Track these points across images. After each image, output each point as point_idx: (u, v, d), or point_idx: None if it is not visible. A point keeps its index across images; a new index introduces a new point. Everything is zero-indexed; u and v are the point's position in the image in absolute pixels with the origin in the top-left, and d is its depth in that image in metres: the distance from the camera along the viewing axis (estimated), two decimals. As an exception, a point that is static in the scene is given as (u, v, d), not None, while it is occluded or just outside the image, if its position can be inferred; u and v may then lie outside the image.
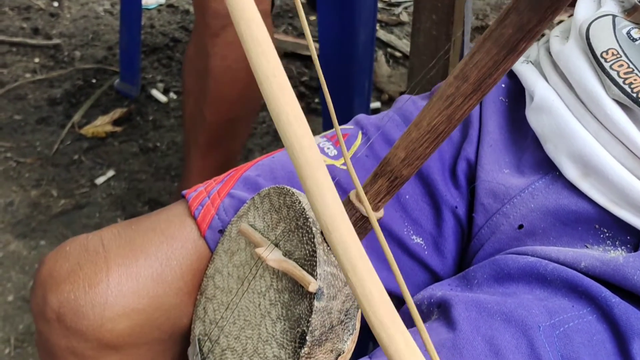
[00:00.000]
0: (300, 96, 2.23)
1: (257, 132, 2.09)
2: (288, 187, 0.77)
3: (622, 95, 0.81)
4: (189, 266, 0.86)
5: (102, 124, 2.06)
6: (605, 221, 0.82)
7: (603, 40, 0.84)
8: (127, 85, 2.17)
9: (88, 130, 2.06)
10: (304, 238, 0.71)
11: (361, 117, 0.98)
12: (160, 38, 2.40)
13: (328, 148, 0.94)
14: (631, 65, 0.82)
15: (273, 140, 2.07)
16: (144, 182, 1.95)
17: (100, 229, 0.89)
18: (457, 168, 0.91)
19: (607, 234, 0.83)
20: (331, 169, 0.91)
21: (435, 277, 0.91)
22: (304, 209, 0.73)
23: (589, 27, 0.86)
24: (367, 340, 1.12)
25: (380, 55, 2.37)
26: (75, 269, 0.83)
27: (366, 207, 0.60)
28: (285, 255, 0.73)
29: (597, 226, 0.83)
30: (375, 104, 2.20)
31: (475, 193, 0.89)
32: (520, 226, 0.86)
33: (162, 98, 2.17)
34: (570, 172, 0.83)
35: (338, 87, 1.77)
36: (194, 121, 1.45)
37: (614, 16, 0.87)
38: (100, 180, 1.94)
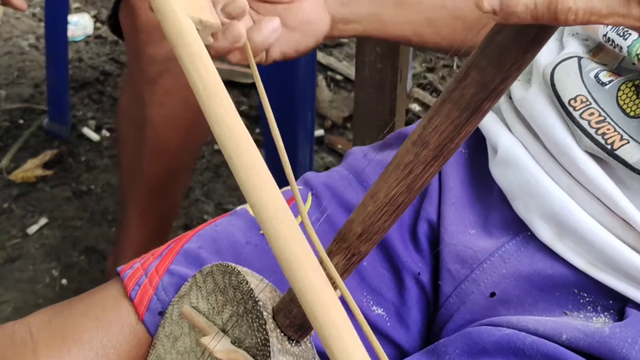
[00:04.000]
0: (240, 127, 2.14)
1: (196, 168, 2.00)
2: (233, 265, 0.71)
3: (595, 147, 0.75)
4: (128, 354, 0.79)
5: (31, 168, 1.95)
6: (585, 285, 0.76)
7: (570, 86, 0.78)
8: (57, 124, 2.06)
9: (17, 175, 1.94)
10: (254, 324, 0.66)
11: (310, 175, 0.90)
12: (90, 72, 2.29)
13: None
14: (602, 113, 0.76)
15: (214, 176, 1.99)
16: (79, 229, 1.84)
17: (28, 316, 0.82)
18: (417, 230, 0.84)
19: (587, 299, 0.77)
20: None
21: (400, 352, 0.84)
22: (252, 290, 0.68)
23: (553, 72, 0.79)
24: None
25: (320, 79, 2.29)
26: None
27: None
28: (234, 343, 0.68)
29: (576, 291, 0.77)
30: (319, 132, 2.12)
31: (439, 258, 0.82)
32: (492, 294, 0.79)
33: (94, 137, 2.07)
34: (544, 233, 0.77)
35: (280, 117, 1.68)
36: (131, 173, 1.36)
37: (579, 58, 0.80)
38: (32, 229, 1.83)
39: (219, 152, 2.04)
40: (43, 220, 1.85)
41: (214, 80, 0.64)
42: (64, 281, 1.72)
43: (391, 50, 1.32)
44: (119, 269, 0.84)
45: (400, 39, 0.88)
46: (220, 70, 2.20)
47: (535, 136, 0.79)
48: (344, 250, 0.60)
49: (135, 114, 1.30)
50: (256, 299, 0.66)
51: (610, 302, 0.75)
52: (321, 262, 0.55)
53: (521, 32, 0.48)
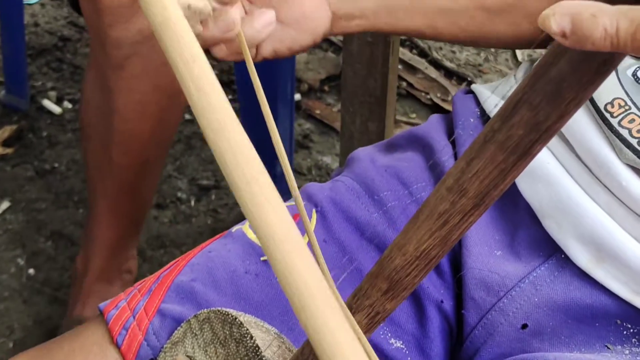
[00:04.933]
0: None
1: (167, 141, 1.88)
2: (233, 314, 0.63)
3: (638, 160, 0.66)
4: (115, 409, 0.69)
5: (-11, 146, 1.83)
6: (629, 315, 0.68)
7: (605, 89, 0.69)
8: (15, 97, 1.93)
9: (-26, 155, 1.82)
10: (261, 387, 0.59)
11: (312, 188, 0.80)
12: (47, 38, 2.14)
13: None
14: (645, 119, 0.67)
15: (186, 149, 1.87)
16: (44, 211, 1.72)
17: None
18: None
19: (632, 331, 0.69)
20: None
21: (422, 388, 0.75)
22: (258, 346, 0.60)
23: (585, 71, 0.69)
24: None
25: (293, 39, 2.17)
26: None
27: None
28: (237, 402, 0.61)
29: (618, 321, 0.69)
30: (295, 96, 2.01)
31: (462, 284, 0.73)
32: (524, 326, 0.70)
33: (56, 109, 1.94)
34: (580, 257, 0.68)
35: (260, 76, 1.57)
36: (98, 167, 1.24)
37: (614, 52, 0.71)
38: (-7, 214, 1.71)
39: (191, 122, 1.92)
40: (5, 204, 1.73)
41: (208, 79, 0.52)
42: (31, 271, 1.61)
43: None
44: (101, 307, 0.74)
45: (412, 33, 0.77)
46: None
47: (570, 146, 0.70)
48: (366, 308, 0.53)
49: (101, 102, 1.19)
50: (262, 357, 0.59)
51: (659, 334, 0.67)
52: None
53: (583, 62, 0.39)
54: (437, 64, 2.13)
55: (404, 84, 2.08)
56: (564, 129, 0.71)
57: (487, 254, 0.73)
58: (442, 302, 0.74)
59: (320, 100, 2.03)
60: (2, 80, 1.97)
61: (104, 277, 1.37)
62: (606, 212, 0.67)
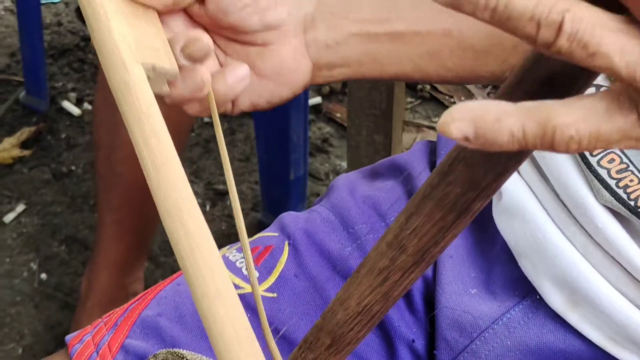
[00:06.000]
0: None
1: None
2: (188, 356, 0.64)
3: (615, 202, 0.63)
4: None
5: (8, 148, 1.83)
6: (603, 363, 0.65)
7: None
8: (34, 98, 1.93)
9: (-7, 156, 1.83)
10: None
11: (287, 218, 0.78)
12: (70, 37, 2.15)
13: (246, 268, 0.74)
14: (625, 160, 0.64)
15: (203, 152, 1.86)
16: (59, 215, 1.73)
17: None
18: (411, 287, 0.73)
19: (606, 379, 0.66)
20: (249, 300, 0.72)
21: None
22: None
23: (566, 105, 0.66)
24: None
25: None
26: None
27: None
28: None
29: (592, 369, 0.66)
30: (315, 100, 1.99)
31: (435, 324, 0.71)
32: (496, 370, 0.68)
33: (75, 110, 1.94)
34: (555, 300, 0.66)
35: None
36: (106, 180, 1.24)
37: (597, 86, 0.68)
38: (9, 217, 1.72)
39: (209, 125, 1.91)
40: (20, 207, 1.74)
41: (167, 154, 0.51)
42: (43, 275, 1.62)
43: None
44: (67, 339, 0.73)
45: (398, 77, 0.73)
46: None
47: (548, 184, 0.67)
48: (311, 361, 0.51)
49: (108, 115, 1.18)
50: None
51: (634, 384, 0.64)
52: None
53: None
54: (461, 67, 2.09)
55: (428, 87, 2.05)
56: (542, 165, 0.68)
57: (462, 292, 0.70)
58: (413, 341, 0.72)
59: (341, 104, 2.00)
60: (22, 81, 1.98)
61: (108, 299, 1.35)
62: (582, 254, 0.65)
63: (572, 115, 0.32)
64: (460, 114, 0.32)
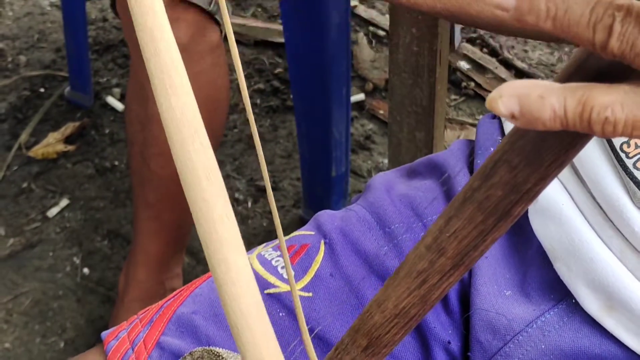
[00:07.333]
0: (274, 92, 2.00)
1: (227, 140, 1.87)
2: (225, 355, 0.64)
3: (652, 206, 0.61)
4: None
5: (52, 143, 1.84)
6: (639, 368, 0.63)
7: None
8: (79, 93, 1.94)
9: (37, 151, 1.83)
10: None
11: (323, 217, 0.77)
12: (115, 33, 2.16)
13: (283, 267, 0.73)
14: (661, 160, 0.62)
15: (246, 149, 1.86)
16: (102, 210, 1.74)
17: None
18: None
19: (641, 384, 0.64)
20: (284, 299, 0.71)
21: None
22: None
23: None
24: None
25: (360, 36, 2.13)
26: None
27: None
28: None
29: (627, 374, 0.64)
30: (358, 96, 1.97)
31: (469, 325, 0.69)
32: (530, 373, 0.66)
33: (119, 106, 1.95)
34: (590, 304, 0.65)
35: (309, 82, 1.54)
36: (140, 176, 1.23)
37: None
38: (53, 211, 1.73)
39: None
40: (64, 202, 1.75)
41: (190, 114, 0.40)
42: (85, 270, 1.62)
43: (429, 31, 1.17)
44: (103, 335, 0.72)
45: None
46: (253, 29, 2.04)
47: (584, 184, 0.65)
48: (347, 363, 0.51)
49: (139, 110, 1.17)
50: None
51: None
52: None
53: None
54: (507, 64, 2.06)
55: (472, 84, 2.02)
56: (578, 166, 0.66)
57: (496, 293, 0.69)
58: (449, 342, 0.70)
59: (384, 100, 1.98)
60: (67, 76, 1.99)
61: (145, 295, 1.34)
62: (619, 258, 0.63)
63: (610, 97, 0.31)
64: (507, 91, 0.32)
